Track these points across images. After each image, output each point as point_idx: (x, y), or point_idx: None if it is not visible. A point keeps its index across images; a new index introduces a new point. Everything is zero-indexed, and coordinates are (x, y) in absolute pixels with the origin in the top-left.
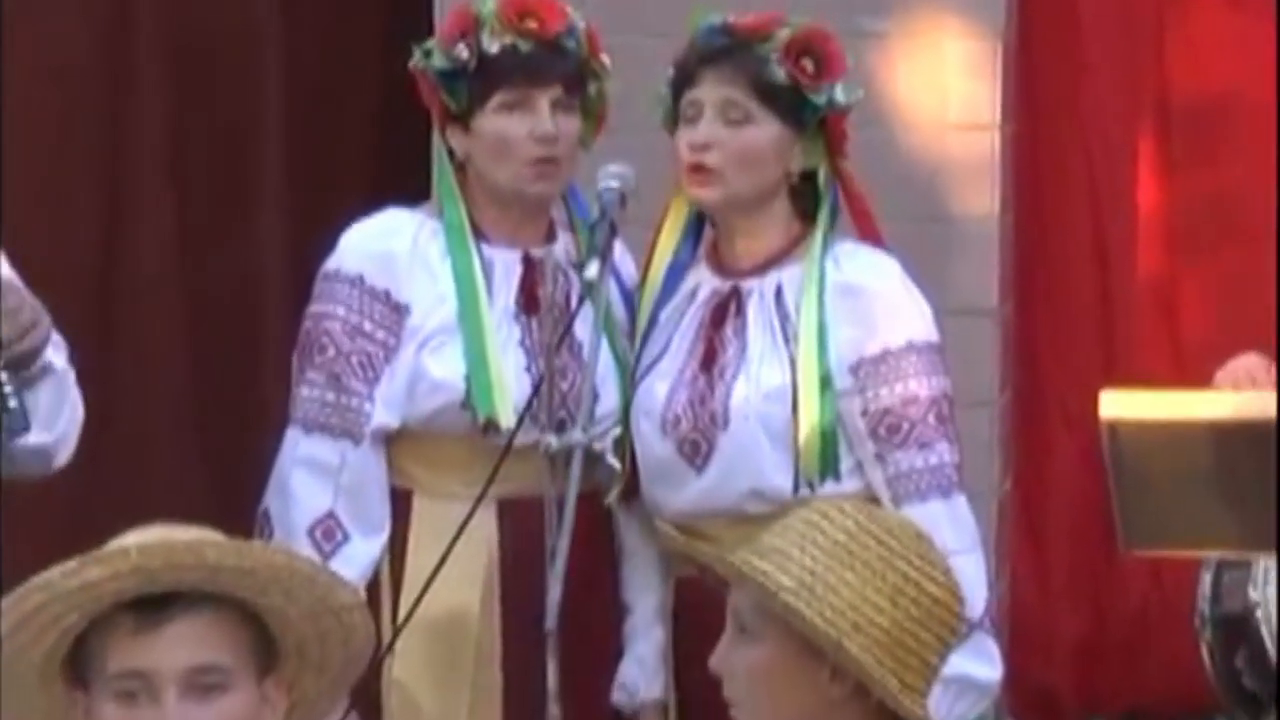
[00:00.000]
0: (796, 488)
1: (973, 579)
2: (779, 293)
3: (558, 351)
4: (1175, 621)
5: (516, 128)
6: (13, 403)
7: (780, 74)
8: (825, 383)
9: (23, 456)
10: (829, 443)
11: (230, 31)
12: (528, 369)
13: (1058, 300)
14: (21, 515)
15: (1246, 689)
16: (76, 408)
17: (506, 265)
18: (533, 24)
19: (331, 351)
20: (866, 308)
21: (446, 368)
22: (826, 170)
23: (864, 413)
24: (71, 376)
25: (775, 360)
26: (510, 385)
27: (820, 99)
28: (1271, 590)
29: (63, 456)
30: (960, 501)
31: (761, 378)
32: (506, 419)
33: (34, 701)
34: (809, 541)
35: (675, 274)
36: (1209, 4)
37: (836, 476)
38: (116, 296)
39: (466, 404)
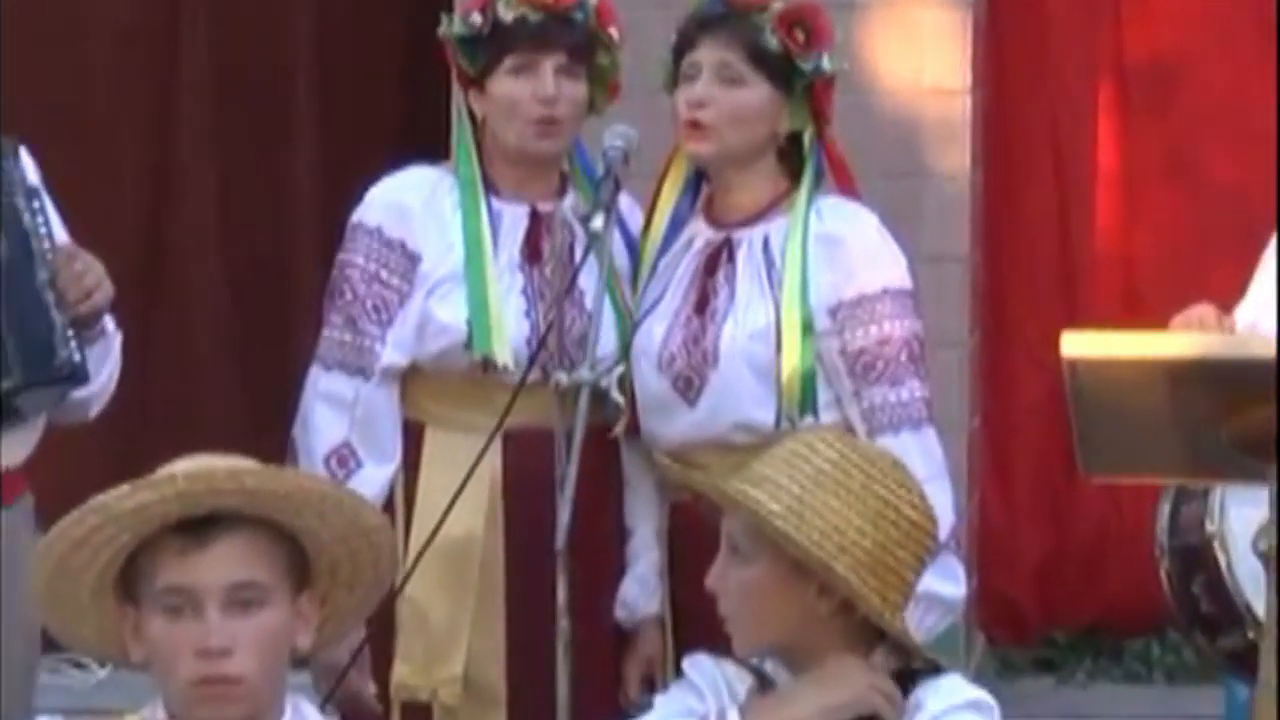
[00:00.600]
0: (779, 422)
1: (940, 503)
2: (766, 243)
3: (561, 301)
4: (1131, 543)
5: (522, 90)
6: (77, 357)
7: (774, 41)
8: (806, 325)
9: (66, 406)
10: (809, 380)
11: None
12: (527, 314)
13: (1023, 249)
14: (78, 445)
15: (1203, 613)
16: (116, 366)
17: (514, 218)
18: None
19: (349, 296)
20: (845, 256)
21: (451, 312)
22: (811, 133)
23: (842, 352)
24: (118, 339)
25: (761, 304)
26: (509, 328)
27: (809, 66)
28: (1227, 523)
29: (97, 409)
30: (929, 433)
31: (748, 320)
32: (503, 358)
33: (87, 615)
34: (797, 470)
35: (675, 227)
36: None
37: (815, 411)
38: (164, 249)
39: (468, 345)
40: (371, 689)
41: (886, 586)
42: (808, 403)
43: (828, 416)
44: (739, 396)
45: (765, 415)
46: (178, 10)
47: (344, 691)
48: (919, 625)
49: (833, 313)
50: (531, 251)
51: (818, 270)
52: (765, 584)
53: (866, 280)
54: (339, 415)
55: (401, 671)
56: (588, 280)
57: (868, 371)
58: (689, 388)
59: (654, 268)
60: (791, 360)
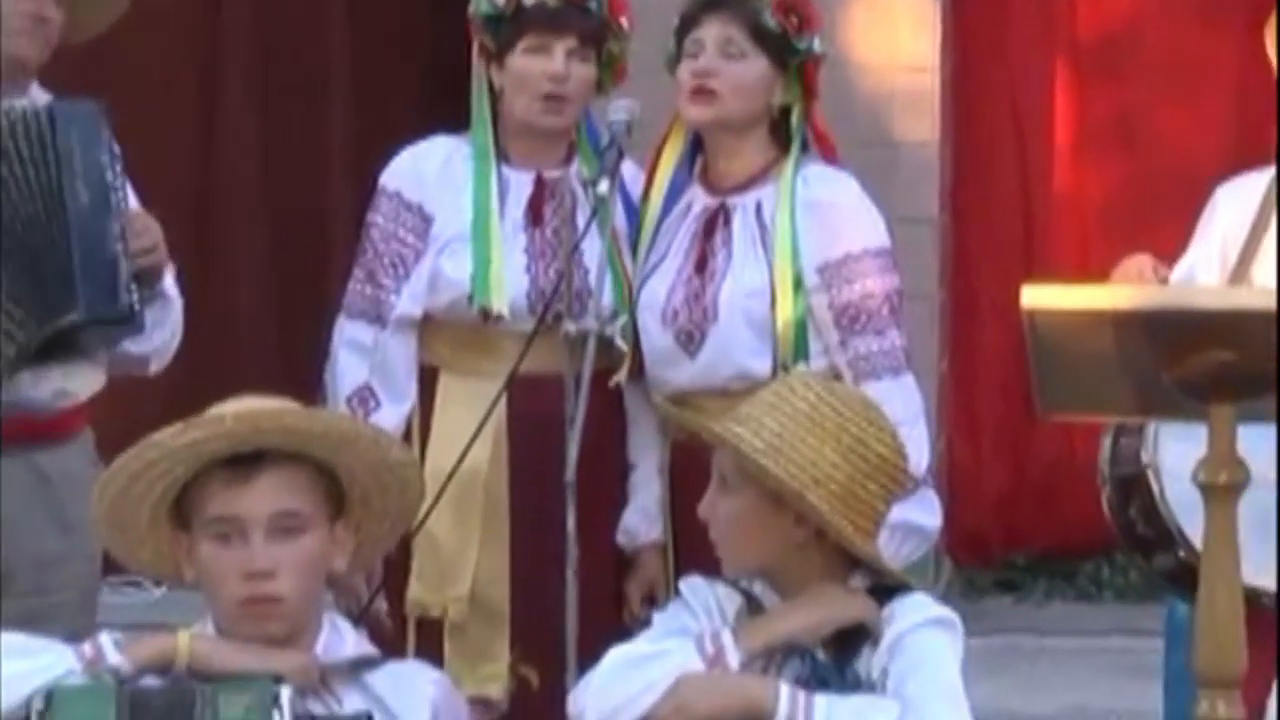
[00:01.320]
0: (774, 370)
1: (918, 443)
2: (759, 208)
3: (570, 259)
4: (1083, 476)
5: (535, 67)
6: (136, 305)
7: (772, 22)
8: (797, 282)
9: (125, 359)
10: (801, 331)
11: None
12: (527, 269)
13: (986, 210)
14: (134, 387)
15: (1139, 534)
16: (177, 330)
17: (520, 184)
18: None
19: (371, 253)
20: (830, 219)
21: (458, 268)
22: (800, 108)
23: (829, 306)
24: (178, 306)
25: (756, 265)
26: (510, 283)
27: (803, 46)
28: (1160, 455)
29: (157, 365)
30: (908, 379)
31: (745, 279)
32: (500, 309)
33: (144, 540)
34: (777, 410)
35: (673, 194)
36: None
37: (807, 359)
38: (210, 208)
39: (474, 294)
40: (382, 608)
41: (858, 515)
42: (800, 351)
43: (818, 364)
44: (736, 349)
45: (761, 365)
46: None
47: (359, 607)
48: (898, 552)
49: (820, 271)
50: (534, 214)
51: (806, 232)
52: (748, 513)
53: (850, 241)
54: (360, 360)
55: (415, 590)
56: (590, 239)
57: (853, 323)
58: (690, 341)
59: (654, 231)
60: (785, 314)
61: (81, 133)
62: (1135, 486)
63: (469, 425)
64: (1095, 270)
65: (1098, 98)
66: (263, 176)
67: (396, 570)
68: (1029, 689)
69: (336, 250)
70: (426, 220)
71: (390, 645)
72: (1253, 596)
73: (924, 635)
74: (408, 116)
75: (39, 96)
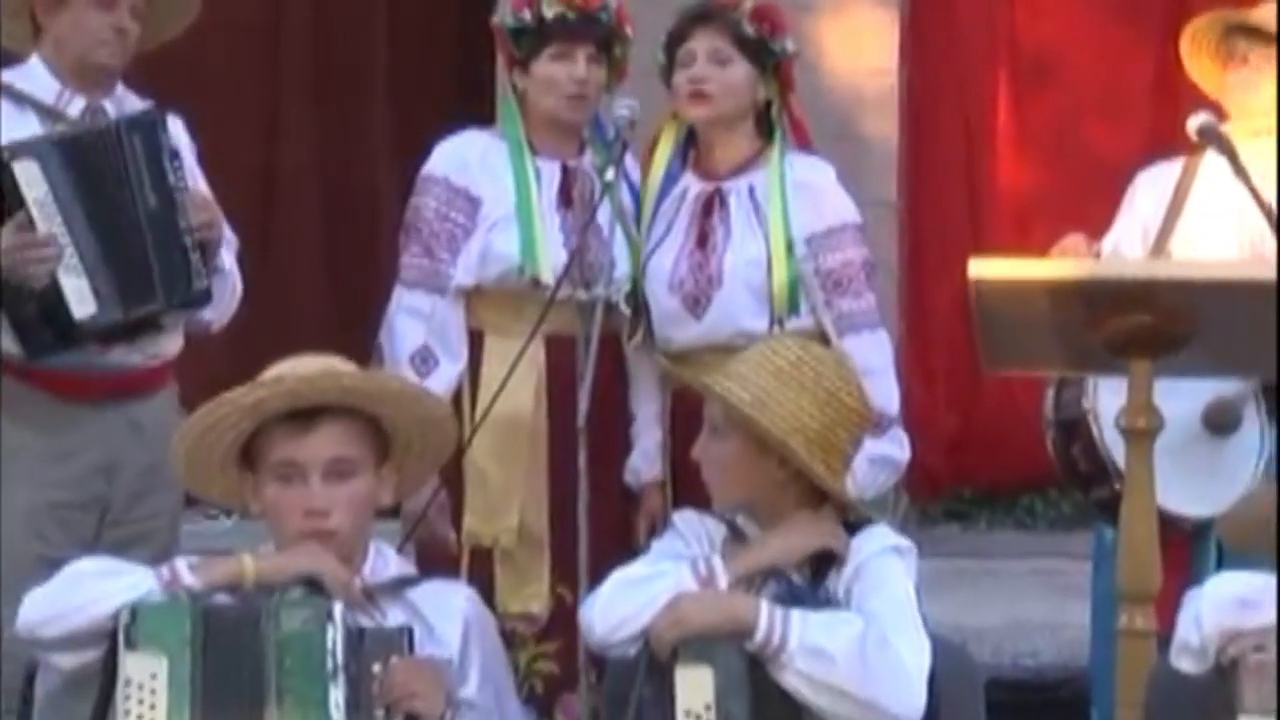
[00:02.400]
0: (771, 326)
1: (890, 389)
2: (751, 190)
3: (583, 235)
4: (1021, 422)
5: (560, 71)
6: (205, 285)
7: (751, 31)
8: (789, 251)
9: (192, 321)
10: (794, 290)
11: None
12: (565, 245)
13: (938, 196)
14: (210, 350)
15: (1080, 470)
16: (236, 296)
17: (550, 172)
18: (579, 0)
19: (425, 231)
20: (816, 198)
21: (507, 244)
22: (779, 102)
23: (816, 272)
24: (236, 278)
25: (753, 239)
26: (551, 255)
27: (778, 48)
28: (1098, 403)
29: (218, 326)
30: (883, 334)
31: (744, 251)
32: (547, 278)
33: (216, 480)
34: (762, 368)
35: (669, 180)
36: None
37: (798, 314)
38: (273, 194)
39: (520, 269)
40: (452, 536)
41: (830, 458)
42: (794, 307)
43: (805, 321)
44: (738, 311)
45: (759, 324)
46: (284, 8)
47: (430, 537)
48: (876, 479)
49: (808, 242)
50: (565, 198)
51: (796, 209)
52: (735, 456)
53: (832, 217)
54: (419, 324)
55: (470, 523)
56: (602, 218)
57: (836, 287)
58: (696, 305)
59: (654, 211)
60: (780, 277)
61: (144, 143)
62: (1077, 430)
63: (514, 380)
64: (1031, 247)
65: (1033, 99)
66: (317, 161)
67: (454, 506)
68: (975, 605)
69: (381, 225)
70: (474, 202)
71: (451, 570)
72: (1169, 522)
73: (884, 561)
74: (439, 109)
75: (124, 96)
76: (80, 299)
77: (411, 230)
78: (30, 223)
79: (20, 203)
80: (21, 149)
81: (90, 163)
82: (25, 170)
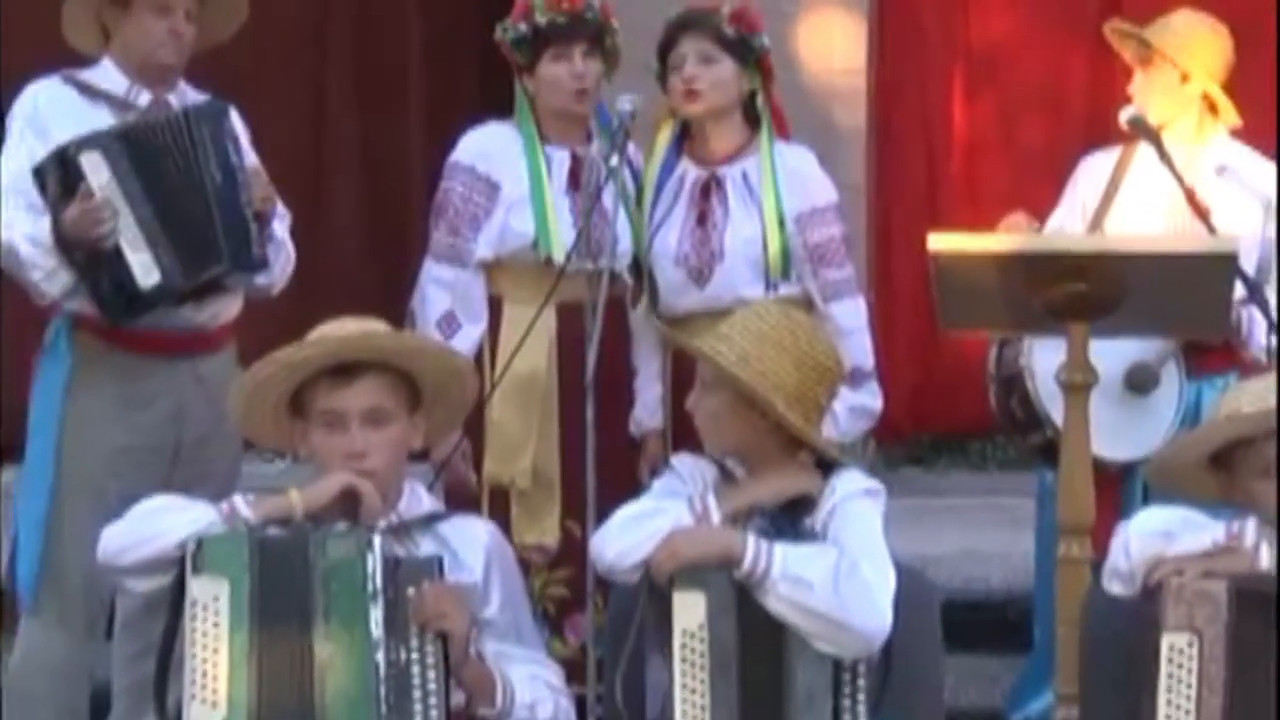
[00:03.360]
0: (767, 291)
1: (866, 347)
2: (745, 176)
3: (589, 215)
4: (973, 376)
5: (561, 70)
6: (263, 252)
7: (731, 31)
8: (781, 226)
9: (252, 287)
10: (785, 260)
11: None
12: (574, 224)
13: (901, 180)
14: (265, 312)
15: (1018, 419)
16: (290, 262)
17: (560, 160)
18: (565, 5)
19: (452, 212)
20: (803, 182)
21: (523, 224)
22: (762, 92)
23: (804, 245)
24: (288, 246)
25: (749, 217)
26: (562, 234)
27: (756, 44)
28: (1033, 360)
29: (276, 290)
30: (860, 301)
31: (742, 229)
32: (559, 256)
33: (269, 427)
34: (747, 331)
35: (667, 167)
36: None
37: (789, 281)
38: (320, 174)
39: (535, 245)
40: (473, 478)
41: (806, 411)
42: (786, 274)
43: (796, 288)
44: (737, 281)
45: (755, 291)
46: (330, 11)
47: (454, 479)
48: (854, 425)
49: (796, 220)
50: (574, 182)
51: (785, 192)
52: (723, 409)
53: (817, 198)
54: (445, 293)
55: (489, 465)
56: (607, 200)
57: (821, 259)
58: (700, 276)
59: (655, 195)
60: (774, 249)
61: (211, 128)
62: (1015, 384)
63: (529, 342)
64: (982, 224)
65: (984, 95)
66: (360, 143)
67: (476, 452)
68: (933, 537)
69: (415, 205)
70: (494, 187)
71: (473, 507)
72: (1101, 465)
73: (857, 501)
74: (466, 97)
75: (186, 91)
76: (145, 271)
77: (439, 211)
78: (90, 193)
79: (89, 192)
80: (86, 143)
81: (153, 148)
82: (90, 160)
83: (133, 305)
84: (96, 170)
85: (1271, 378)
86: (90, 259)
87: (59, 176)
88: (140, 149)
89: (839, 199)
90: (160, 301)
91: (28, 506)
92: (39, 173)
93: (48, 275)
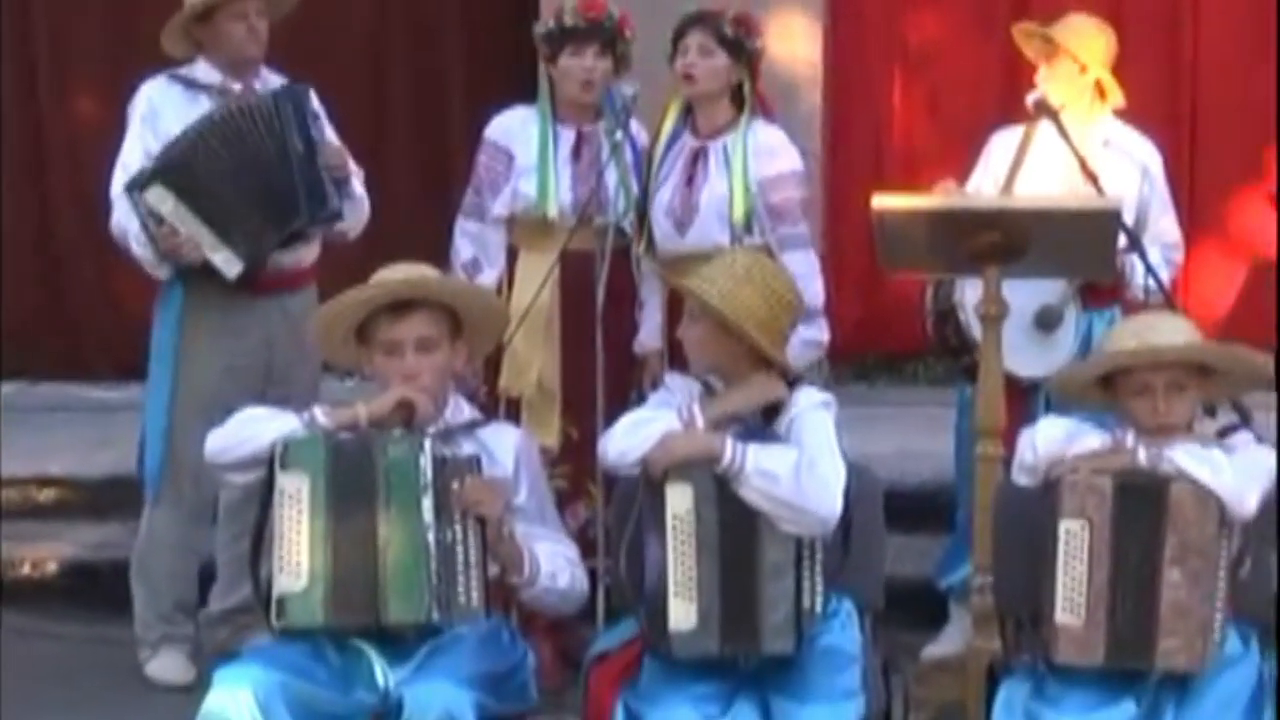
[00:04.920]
0: (733, 241)
1: (816, 290)
2: (724, 148)
3: (598, 181)
4: (908, 310)
5: (575, 65)
6: (339, 206)
7: (730, 31)
8: (746, 189)
9: (333, 234)
10: (749, 218)
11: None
12: (572, 189)
13: (850, 149)
14: (338, 258)
15: (951, 345)
16: (363, 214)
17: (567, 136)
18: (588, 11)
19: (476, 179)
20: (768, 154)
21: (529, 187)
22: (749, 85)
23: (766, 205)
24: (364, 200)
25: (722, 180)
26: (560, 197)
27: (750, 46)
28: (964, 297)
29: (353, 235)
30: (811, 252)
31: (716, 190)
32: (553, 214)
33: (341, 351)
34: (725, 272)
35: (674, 138)
36: None
37: (751, 234)
38: (383, 151)
39: (537, 205)
40: (484, 390)
41: (774, 337)
42: (749, 228)
43: (757, 240)
44: (709, 230)
45: (724, 239)
46: (388, 22)
47: (466, 390)
48: (804, 355)
49: (760, 184)
50: (575, 155)
51: (751, 162)
52: (707, 336)
53: (780, 166)
54: (469, 242)
55: (504, 380)
56: (609, 170)
57: (779, 216)
58: (681, 226)
59: (661, 160)
60: (739, 209)
61: (293, 106)
62: (949, 316)
63: (536, 283)
64: (917, 186)
65: (918, 81)
66: (413, 122)
67: (493, 372)
68: (876, 439)
69: (456, 178)
70: (510, 157)
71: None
72: (1013, 381)
73: (813, 410)
74: (497, 85)
75: (269, 77)
76: (228, 265)
77: (472, 176)
78: (172, 230)
79: (159, 219)
80: (148, 179)
81: (237, 129)
82: (154, 194)
83: (225, 287)
84: (162, 200)
85: (1147, 317)
86: (188, 266)
87: (139, 208)
88: (228, 131)
89: (804, 170)
90: (253, 271)
91: (152, 417)
92: (130, 196)
93: (153, 267)
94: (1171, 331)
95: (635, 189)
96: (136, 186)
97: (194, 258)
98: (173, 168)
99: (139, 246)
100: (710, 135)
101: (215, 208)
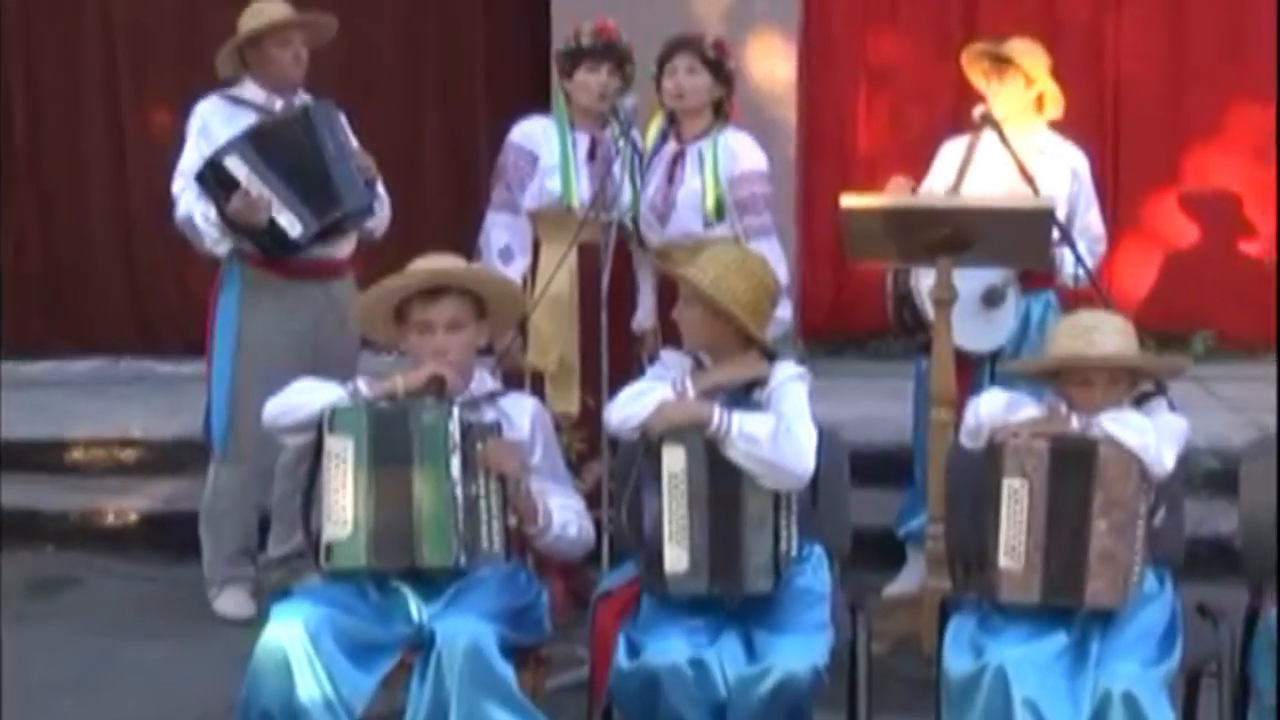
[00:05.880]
0: (705, 228)
1: (781, 273)
2: (700, 151)
3: (606, 178)
4: (871, 295)
5: (590, 80)
6: (370, 202)
7: (711, 54)
8: (717, 184)
9: (363, 231)
10: (720, 209)
11: (464, 36)
12: (590, 186)
13: (822, 158)
14: (376, 251)
15: (908, 325)
16: (387, 217)
17: (582, 141)
18: (602, 34)
19: (505, 178)
20: (736, 156)
21: (554, 184)
22: (726, 99)
23: (734, 199)
24: (387, 201)
25: (697, 178)
26: (580, 192)
27: (728, 66)
28: (919, 282)
29: (379, 233)
30: (774, 240)
31: (692, 185)
32: (576, 206)
33: (379, 330)
34: (715, 261)
35: (658, 145)
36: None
37: (723, 222)
38: (416, 155)
39: (561, 199)
40: (525, 362)
41: (758, 319)
42: (720, 219)
43: (727, 229)
44: (685, 222)
45: (700, 230)
46: (421, 42)
47: (510, 365)
48: (771, 331)
49: (729, 181)
50: (590, 156)
51: (722, 163)
52: (698, 318)
53: (746, 167)
54: (502, 233)
55: (530, 356)
56: (618, 170)
57: (744, 209)
58: (661, 219)
59: (647, 165)
60: (710, 203)
61: (325, 117)
62: (907, 300)
63: (558, 269)
64: (878, 187)
65: (879, 95)
66: (443, 129)
67: (523, 349)
68: (844, 407)
69: (482, 171)
70: (534, 159)
71: (520, 386)
72: (963, 355)
73: (789, 382)
74: (516, 96)
75: (304, 96)
76: (292, 225)
77: (499, 175)
78: (246, 192)
79: (236, 183)
80: (226, 150)
81: (281, 138)
82: (232, 163)
83: (285, 247)
84: (238, 168)
85: (1091, 317)
86: (254, 229)
87: (215, 178)
88: (272, 139)
89: (769, 169)
90: (303, 241)
91: (216, 387)
92: (200, 178)
93: (215, 242)
94: (1113, 334)
95: (640, 187)
96: (220, 157)
97: (262, 219)
98: (247, 141)
99: (204, 223)
100: (690, 141)
101: (280, 179)
